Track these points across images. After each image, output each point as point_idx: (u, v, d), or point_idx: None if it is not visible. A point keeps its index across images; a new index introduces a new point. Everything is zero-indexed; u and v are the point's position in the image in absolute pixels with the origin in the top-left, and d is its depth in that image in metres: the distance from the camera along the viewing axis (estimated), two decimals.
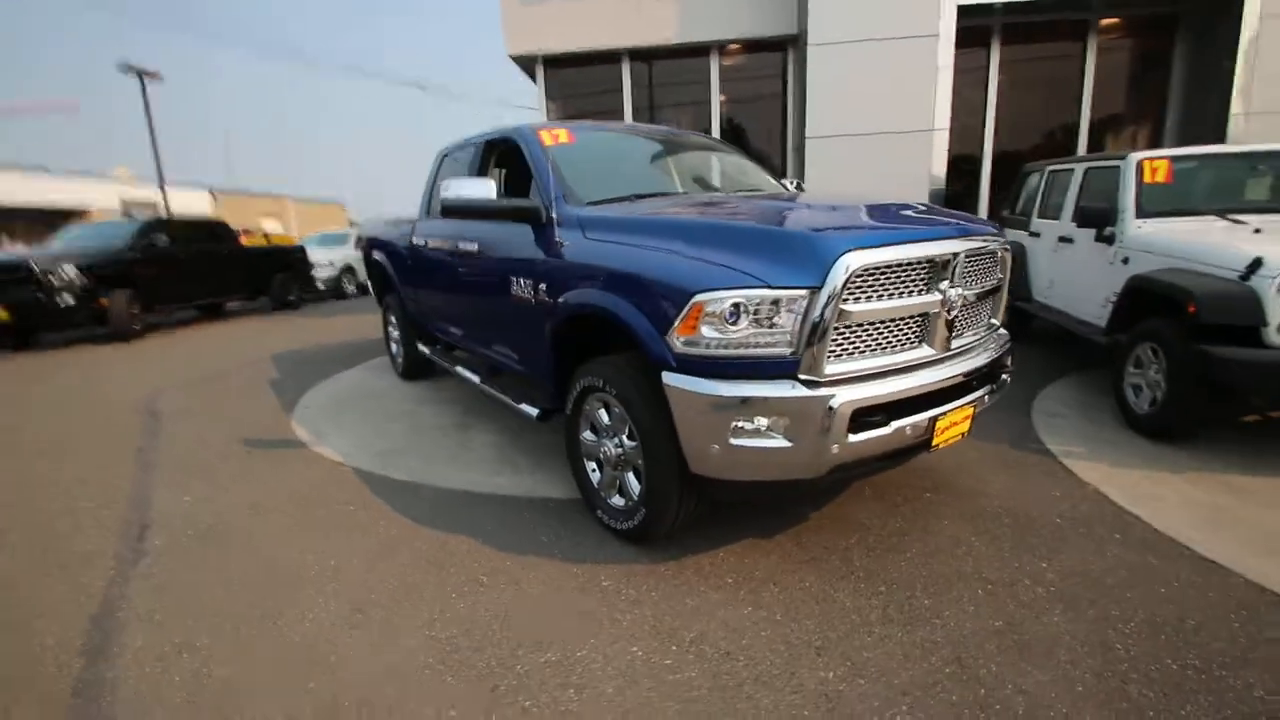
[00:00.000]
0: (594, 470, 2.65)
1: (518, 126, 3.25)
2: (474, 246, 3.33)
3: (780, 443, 1.95)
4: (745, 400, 1.92)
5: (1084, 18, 7.52)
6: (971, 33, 7.24)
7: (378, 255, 5.08)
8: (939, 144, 7.31)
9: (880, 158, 7.24)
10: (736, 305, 1.91)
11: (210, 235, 9.36)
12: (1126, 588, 2.09)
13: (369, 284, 5.79)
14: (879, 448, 2.06)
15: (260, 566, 2.40)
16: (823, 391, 1.93)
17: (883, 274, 2.01)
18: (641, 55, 8.17)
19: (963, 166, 7.91)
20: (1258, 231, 3.30)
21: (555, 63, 8.32)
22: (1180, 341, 3.05)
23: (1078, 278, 4.38)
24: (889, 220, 2.22)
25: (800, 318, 1.91)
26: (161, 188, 18.96)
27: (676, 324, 1.99)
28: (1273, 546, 2.30)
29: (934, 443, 2.19)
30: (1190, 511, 2.57)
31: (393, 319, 5.17)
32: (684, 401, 2.02)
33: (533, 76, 8.73)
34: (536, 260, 2.78)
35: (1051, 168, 5.20)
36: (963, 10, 6.97)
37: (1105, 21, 7.56)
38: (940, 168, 7.36)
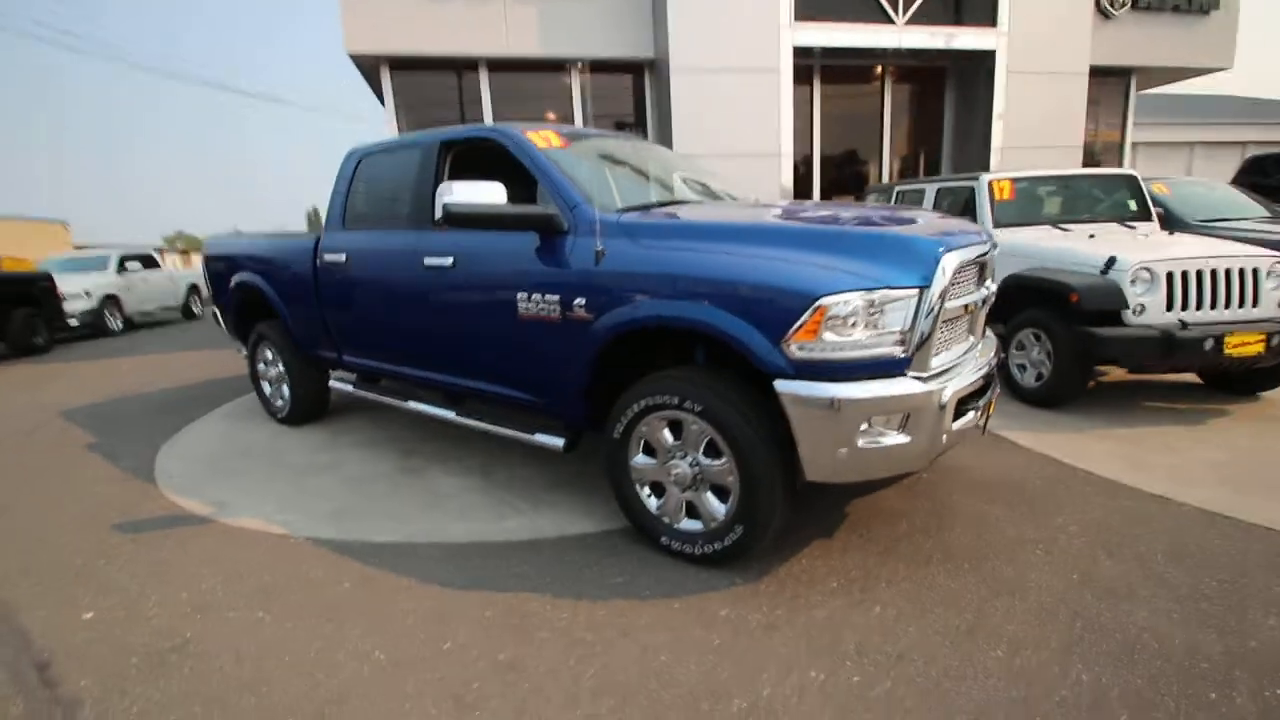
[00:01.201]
0: (649, 496, 2.46)
1: (497, 126, 2.91)
2: (447, 261, 2.89)
3: (902, 439, 2.00)
4: (875, 400, 1.94)
5: (878, 64, 8.98)
6: (801, 71, 8.19)
7: (247, 277, 4.15)
8: (785, 166, 8.15)
9: (739, 177, 7.79)
10: (858, 307, 1.93)
11: None
12: (1130, 528, 2.50)
13: (218, 315, 4.72)
14: (962, 434, 2.22)
15: (289, 692, 1.78)
16: (935, 385, 2.02)
17: (962, 273, 2.18)
18: (501, 66, 7.84)
19: (799, 186, 8.90)
20: (1092, 237, 4.21)
21: (403, 66, 7.61)
22: (1065, 326, 3.76)
23: None
24: (933, 225, 2.41)
25: (913, 316, 1.98)
26: None
27: (795, 329, 1.94)
28: (1185, 478, 2.93)
29: (986, 425, 2.42)
30: (1115, 462, 3.17)
31: (268, 354, 4.26)
32: (806, 409, 1.97)
33: (373, 80, 7.88)
34: (560, 273, 2.50)
35: (900, 187, 6.08)
36: (795, 50, 7.88)
37: (893, 67, 9.09)
38: (788, 186, 8.22)
